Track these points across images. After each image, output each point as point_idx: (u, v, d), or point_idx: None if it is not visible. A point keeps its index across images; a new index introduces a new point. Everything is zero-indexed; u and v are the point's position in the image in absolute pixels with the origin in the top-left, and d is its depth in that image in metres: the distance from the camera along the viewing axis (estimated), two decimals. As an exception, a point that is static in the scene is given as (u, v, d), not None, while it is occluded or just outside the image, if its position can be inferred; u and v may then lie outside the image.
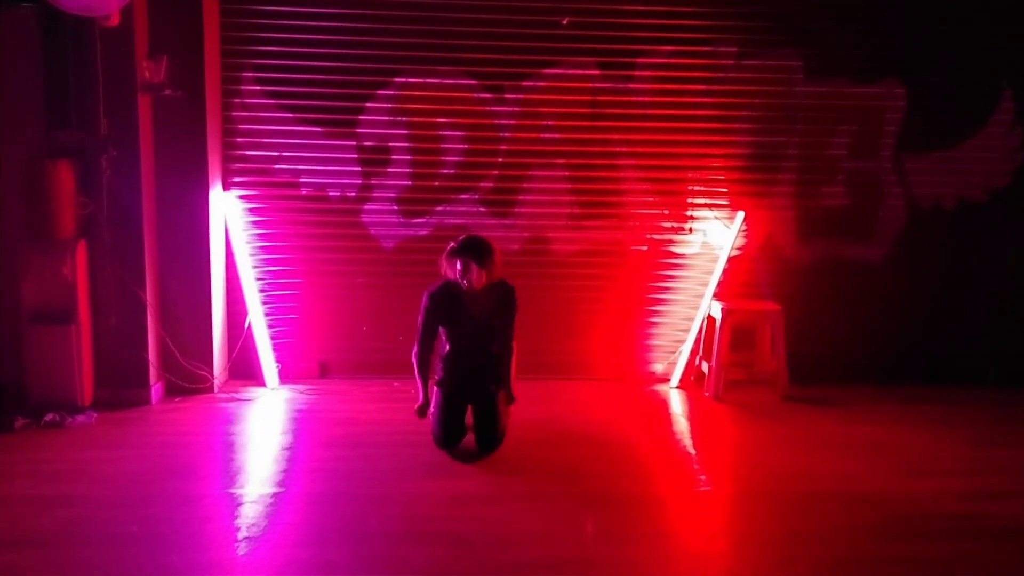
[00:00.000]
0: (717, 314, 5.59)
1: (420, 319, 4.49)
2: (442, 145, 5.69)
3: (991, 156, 5.98)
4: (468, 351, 4.52)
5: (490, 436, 4.44)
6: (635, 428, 4.99)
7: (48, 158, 4.81)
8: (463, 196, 5.73)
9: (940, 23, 5.82)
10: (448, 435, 4.44)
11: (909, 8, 5.79)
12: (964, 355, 6.09)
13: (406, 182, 5.68)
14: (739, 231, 5.79)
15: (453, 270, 4.40)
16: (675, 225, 5.89)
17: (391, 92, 5.62)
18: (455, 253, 4.38)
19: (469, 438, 4.49)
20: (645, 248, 5.91)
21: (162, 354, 5.27)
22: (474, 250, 4.37)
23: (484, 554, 3.32)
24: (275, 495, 3.83)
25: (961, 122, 5.95)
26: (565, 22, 5.65)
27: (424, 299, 4.48)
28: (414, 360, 4.51)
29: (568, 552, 3.37)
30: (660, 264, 5.93)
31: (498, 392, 4.53)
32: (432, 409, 4.51)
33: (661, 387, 5.87)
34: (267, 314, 5.66)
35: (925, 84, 5.87)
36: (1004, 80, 5.92)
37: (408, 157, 5.67)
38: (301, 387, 5.60)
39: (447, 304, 4.46)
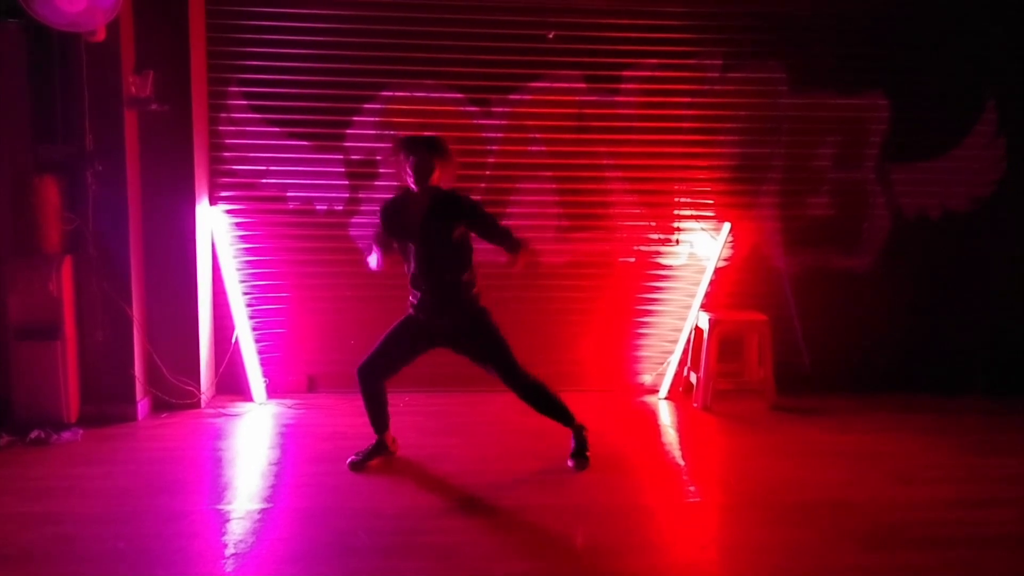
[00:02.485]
0: (704, 325, 5.60)
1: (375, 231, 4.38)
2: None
3: (975, 166, 6.03)
4: (416, 273, 4.21)
5: (501, 364, 4.25)
6: (624, 439, 4.99)
7: (34, 173, 4.80)
8: (451, 209, 5.73)
9: (923, 35, 5.88)
10: (380, 366, 4.28)
11: (893, 20, 5.85)
12: (952, 364, 6.11)
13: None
14: (725, 242, 5.82)
15: (402, 170, 4.18)
16: (662, 236, 5.91)
17: (378, 106, 5.63)
18: (407, 149, 4.15)
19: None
20: (633, 260, 5.93)
21: (149, 369, 5.24)
22: (415, 144, 4.15)
23: (473, 567, 3.31)
24: (263, 510, 3.81)
25: (945, 133, 6.01)
26: (551, 36, 5.68)
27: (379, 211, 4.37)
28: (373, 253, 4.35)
29: (558, 565, 3.37)
30: (648, 275, 5.94)
31: (479, 326, 4.26)
32: (390, 329, 4.32)
33: (650, 398, 5.87)
34: (254, 328, 5.64)
35: (909, 95, 5.92)
36: (987, 91, 5.98)
37: (395, 170, 5.67)
38: (289, 402, 5.57)
39: (394, 213, 4.26)
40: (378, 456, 4.40)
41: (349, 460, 4.35)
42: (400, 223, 4.24)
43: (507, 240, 4.26)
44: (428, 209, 4.16)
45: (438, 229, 4.16)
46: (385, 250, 4.34)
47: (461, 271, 4.24)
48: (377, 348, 4.32)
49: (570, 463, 4.39)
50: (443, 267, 4.21)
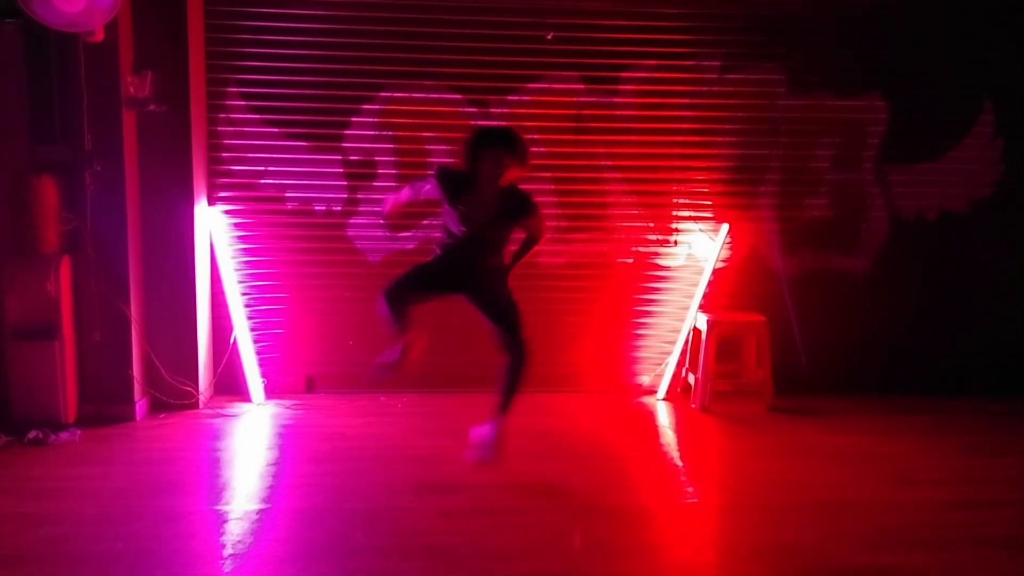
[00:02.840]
0: (703, 326, 5.60)
1: (428, 185, 4.13)
2: (428, 159, 5.69)
3: (972, 168, 6.04)
4: (468, 240, 4.08)
5: (513, 329, 4.10)
6: (622, 440, 5.00)
7: (32, 173, 4.79)
8: (449, 210, 5.73)
9: (921, 37, 5.89)
10: (407, 291, 4.09)
11: (891, 22, 5.86)
12: (950, 365, 6.12)
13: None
14: (724, 243, 5.82)
15: (488, 166, 3.93)
16: (660, 237, 5.92)
17: (376, 106, 5.63)
18: (492, 143, 3.94)
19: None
20: (631, 260, 5.93)
21: (147, 370, 5.23)
22: (510, 141, 3.93)
23: (472, 568, 3.31)
24: (261, 511, 3.80)
25: (943, 134, 6.02)
26: (550, 37, 5.68)
27: (435, 172, 4.12)
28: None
29: (556, 565, 3.37)
30: (646, 276, 5.95)
31: (503, 285, 4.21)
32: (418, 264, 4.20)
33: (648, 399, 5.87)
34: (253, 329, 5.64)
35: (907, 97, 5.93)
36: (985, 93, 5.99)
37: (394, 171, 5.67)
38: (287, 402, 5.57)
39: (458, 185, 4.02)
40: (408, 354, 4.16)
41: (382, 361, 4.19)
42: (462, 204, 4.03)
43: (539, 229, 4.30)
44: (498, 208, 4.04)
45: (501, 226, 4.12)
46: (411, 202, 4.27)
47: (502, 253, 4.26)
48: (405, 276, 4.15)
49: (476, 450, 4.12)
50: (490, 252, 4.17)
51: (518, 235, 4.30)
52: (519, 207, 4.10)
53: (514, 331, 4.17)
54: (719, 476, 4.48)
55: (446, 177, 4.10)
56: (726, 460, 4.78)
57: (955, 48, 5.92)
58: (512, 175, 4.01)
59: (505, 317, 4.18)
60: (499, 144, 3.96)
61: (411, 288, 4.15)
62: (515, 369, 4.17)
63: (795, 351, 6.01)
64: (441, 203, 4.14)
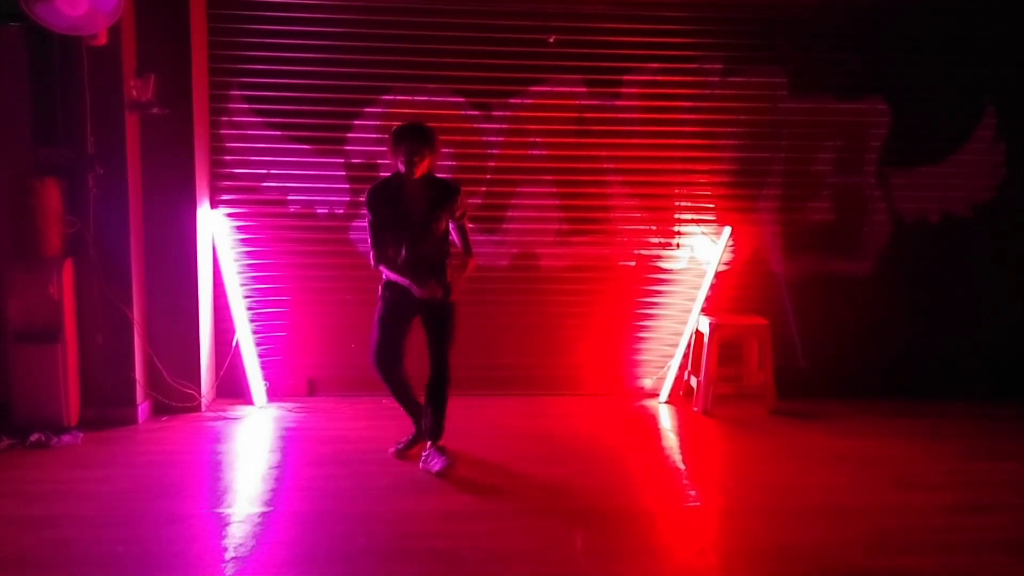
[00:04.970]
0: (705, 329, 5.60)
1: (368, 219, 4.34)
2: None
3: (974, 171, 6.03)
4: (406, 258, 4.30)
5: (442, 345, 4.35)
6: (624, 443, 5.00)
7: (35, 176, 4.80)
8: (451, 213, 5.74)
9: (924, 40, 5.89)
10: (388, 347, 4.39)
11: (893, 25, 5.86)
12: (951, 368, 6.11)
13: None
14: (726, 246, 5.82)
15: (398, 159, 4.26)
16: (662, 240, 5.92)
17: (379, 110, 5.63)
18: (399, 139, 4.24)
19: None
20: (633, 263, 5.93)
21: (149, 373, 5.24)
22: (418, 135, 4.24)
23: (474, 571, 3.31)
24: (263, 514, 3.81)
25: (945, 138, 6.01)
26: (552, 40, 5.68)
27: (366, 197, 4.35)
28: (377, 263, 4.35)
29: (558, 569, 3.37)
30: (648, 279, 5.95)
31: (448, 295, 4.34)
32: (375, 318, 4.44)
33: (650, 402, 5.87)
34: (255, 332, 5.64)
35: (909, 100, 5.93)
36: (987, 97, 5.98)
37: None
38: (289, 405, 5.57)
39: (386, 200, 4.31)
40: (419, 443, 4.54)
41: (392, 450, 4.58)
42: (394, 209, 4.30)
43: (466, 244, 4.46)
44: (425, 197, 4.29)
45: (435, 216, 4.30)
46: (387, 246, 4.37)
47: (444, 256, 4.41)
48: (377, 336, 4.42)
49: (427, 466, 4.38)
50: (430, 251, 4.33)
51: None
52: (450, 199, 4.33)
53: (446, 352, 4.37)
54: (721, 479, 4.48)
55: (376, 195, 4.34)
56: (728, 463, 4.77)
57: (957, 51, 5.92)
58: (428, 164, 4.28)
59: (446, 337, 4.38)
60: (409, 139, 4.22)
61: (386, 339, 4.41)
62: (439, 393, 4.39)
63: (797, 354, 6.01)
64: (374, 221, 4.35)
